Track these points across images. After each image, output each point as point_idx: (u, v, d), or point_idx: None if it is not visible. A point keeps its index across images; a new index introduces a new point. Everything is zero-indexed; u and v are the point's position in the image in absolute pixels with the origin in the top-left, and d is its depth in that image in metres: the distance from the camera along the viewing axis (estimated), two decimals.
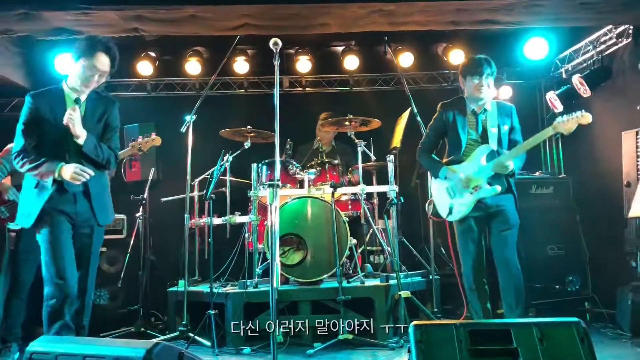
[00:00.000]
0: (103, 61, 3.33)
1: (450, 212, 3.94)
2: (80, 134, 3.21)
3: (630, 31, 5.11)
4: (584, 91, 5.43)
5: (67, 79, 3.42)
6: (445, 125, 4.00)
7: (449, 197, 3.96)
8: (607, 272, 5.17)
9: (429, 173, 4.41)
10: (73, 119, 3.16)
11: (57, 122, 3.21)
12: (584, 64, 5.81)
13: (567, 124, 3.60)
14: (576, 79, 5.46)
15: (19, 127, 3.28)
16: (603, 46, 5.50)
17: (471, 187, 3.84)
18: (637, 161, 4.82)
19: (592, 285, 5.24)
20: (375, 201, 5.63)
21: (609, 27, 5.34)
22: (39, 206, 3.19)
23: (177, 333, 4.57)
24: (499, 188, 3.78)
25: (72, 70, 3.39)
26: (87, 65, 3.31)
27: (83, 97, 3.37)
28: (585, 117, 3.57)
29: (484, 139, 3.90)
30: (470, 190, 3.84)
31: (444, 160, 4.05)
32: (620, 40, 5.28)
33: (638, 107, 4.96)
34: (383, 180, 5.32)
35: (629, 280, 4.72)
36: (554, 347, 2.35)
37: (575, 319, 2.44)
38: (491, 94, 3.96)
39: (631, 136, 4.90)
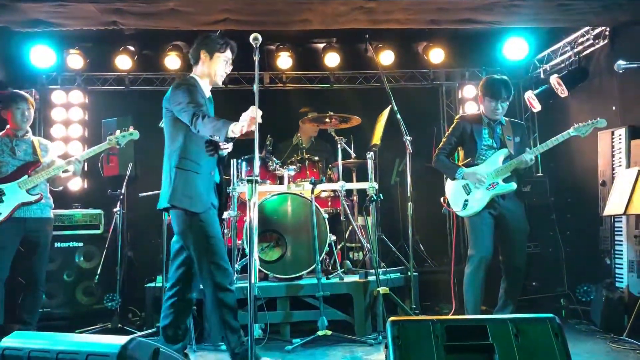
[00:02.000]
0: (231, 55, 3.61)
1: (464, 207, 4.29)
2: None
3: (607, 33, 5.20)
4: (562, 91, 5.51)
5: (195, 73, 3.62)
6: (463, 135, 4.40)
7: (464, 193, 4.31)
8: (582, 269, 5.25)
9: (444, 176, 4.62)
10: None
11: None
12: (562, 65, 5.89)
13: (583, 129, 4.21)
14: (554, 79, 5.53)
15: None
16: (580, 47, 5.58)
17: (488, 184, 4.21)
18: (612, 160, 4.91)
19: (567, 282, 5.32)
20: (355, 198, 5.65)
21: (587, 28, 5.42)
22: None
23: (154, 329, 4.52)
24: (514, 185, 4.20)
25: (206, 65, 3.58)
26: (224, 58, 3.57)
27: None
28: (601, 123, 4.20)
29: (500, 145, 4.33)
30: (487, 186, 4.21)
31: (463, 164, 4.39)
32: (597, 41, 5.36)
33: (613, 108, 5.05)
34: (363, 177, 5.34)
35: (604, 277, 4.81)
36: (528, 342, 2.37)
37: (549, 315, 2.47)
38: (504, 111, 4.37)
39: (607, 136, 4.98)
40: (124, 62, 6.42)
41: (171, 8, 4.53)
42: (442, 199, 4.57)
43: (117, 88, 6.72)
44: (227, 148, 3.44)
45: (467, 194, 4.30)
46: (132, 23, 4.91)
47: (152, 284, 4.98)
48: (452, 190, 4.40)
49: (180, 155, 3.40)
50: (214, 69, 3.56)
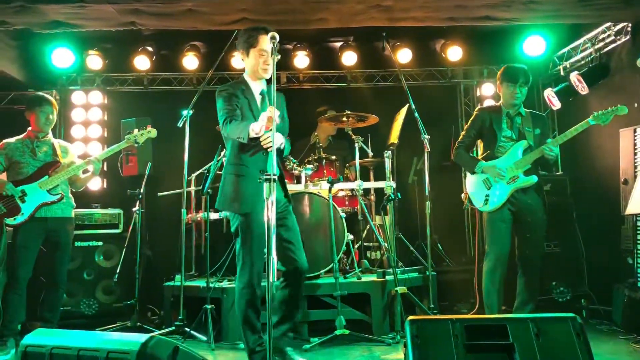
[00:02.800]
0: (268, 44, 3.38)
1: (485, 202, 4.21)
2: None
3: (629, 29, 5.11)
4: (582, 88, 5.42)
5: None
6: (482, 127, 4.32)
7: (485, 188, 4.23)
8: (603, 269, 5.17)
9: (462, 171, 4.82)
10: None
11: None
12: (582, 62, 5.80)
13: (603, 117, 4.03)
14: (574, 77, 5.45)
15: None
16: (601, 44, 5.49)
17: (508, 177, 4.13)
18: (635, 158, 4.82)
19: (588, 282, 5.24)
20: (373, 197, 5.63)
21: (608, 24, 5.33)
22: None
23: (173, 328, 4.55)
24: (535, 178, 4.12)
25: (247, 63, 3.60)
26: (258, 52, 3.49)
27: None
28: (622, 109, 4.01)
29: (519, 137, 4.22)
30: (507, 180, 4.14)
31: (483, 157, 4.32)
32: (618, 37, 5.27)
33: (636, 105, 4.95)
34: (380, 176, 5.32)
35: (625, 277, 4.72)
36: (549, 342, 2.35)
37: (571, 314, 2.44)
38: (523, 98, 4.25)
39: (629, 134, 4.90)
40: (142, 62, 6.47)
41: (188, 8, 4.55)
42: (462, 195, 4.52)
43: (136, 88, 6.78)
44: (268, 144, 3.27)
45: (488, 188, 4.21)
46: (149, 23, 4.94)
47: (171, 283, 5.02)
48: (473, 185, 4.32)
49: (228, 161, 3.57)
50: (253, 66, 3.54)
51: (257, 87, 3.59)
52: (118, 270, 5.28)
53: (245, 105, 3.50)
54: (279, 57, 3.13)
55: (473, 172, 4.29)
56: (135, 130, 4.49)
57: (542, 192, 4.26)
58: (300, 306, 3.71)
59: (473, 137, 4.38)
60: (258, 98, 3.57)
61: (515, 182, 4.13)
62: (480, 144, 4.45)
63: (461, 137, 4.42)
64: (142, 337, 2.29)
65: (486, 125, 4.29)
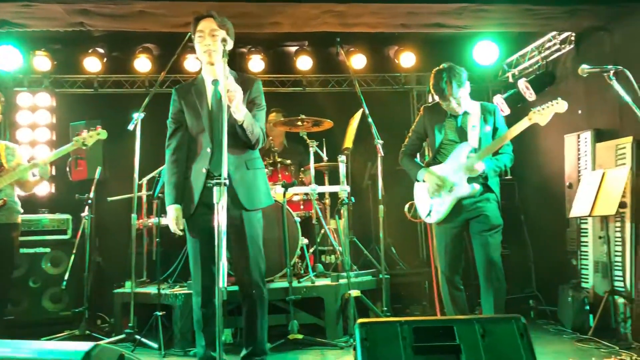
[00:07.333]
0: (205, 24, 3.23)
1: (429, 214, 3.89)
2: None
3: (573, 38, 5.31)
4: (530, 95, 5.59)
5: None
6: (425, 128, 3.98)
7: (429, 198, 3.89)
8: (550, 270, 5.34)
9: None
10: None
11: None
12: (530, 69, 6.00)
13: (543, 113, 3.62)
14: (522, 83, 5.62)
15: None
16: (547, 52, 5.69)
17: (449, 187, 3.76)
18: (579, 163, 5.00)
19: (536, 283, 5.40)
20: (327, 201, 5.64)
21: (553, 33, 5.52)
22: None
23: (123, 335, 4.45)
24: (477, 186, 3.70)
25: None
26: (198, 34, 3.24)
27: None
28: (561, 105, 3.56)
29: (462, 138, 3.81)
30: (448, 190, 3.76)
31: (426, 163, 4.03)
32: (563, 46, 5.47)
33: (579, 112, 5.15)
34: (335, 180, 5.34)
35: (570, 278, 4.90)
36: (495, 342, 2.39)
37: (515, 315, 2.50)
38: (465, 97, 3.82)
39: (573, 139, 5.08)
40: (92, 64, 6.32)
41: (140, 10, 4.48)
42: (407, 206, 4.42)
43: (86, 91, 6.62)
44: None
45: (432, 198, 3.85)
46: (99, 24, 4.83)
47: (121, 290, 4.91)
48: (418, 194, 4.01)
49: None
50: (199, 53, 3.30)
51: (210, 78, 3.33)
52: (66, 277, 5.10)
53: (193, 106, 3.32)
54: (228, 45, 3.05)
55: (416, 180, 3.99)
56: (84, 132, 4.37)
57: (493, 191, 3.78)
58: (256, 334, 3.41)
59: (416, 140, 4.08)
60: (210, 89, 3.32)
61: (455, 191, 3.73)
62: (427, 148, 4.20)
63: (405, 141, 4.15)
64: (86, 346, 2.22)
65: (428, 127, 3.95)
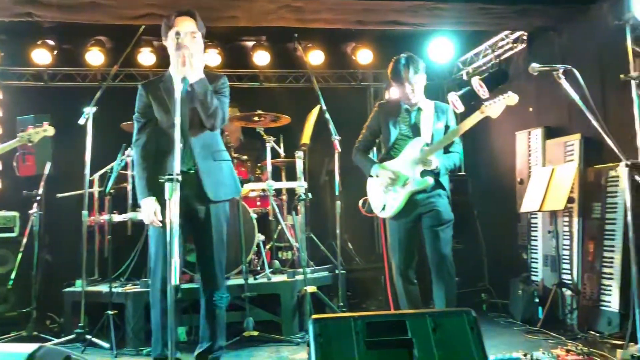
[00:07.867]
0: (185, 24, 3.18)
1: (383, 209, 3.90)
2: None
3: (525, 37, 5.44)
4: (483, 93, 5.69)
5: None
6: (379, 124, 3.99)
7: (382, 193, 3.90)
8: (501, 264, 5.47)
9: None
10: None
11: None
12: (484, 67, 6.11)
13: (495, 106, 3.65)
14: (476, 81, 5.71)
15: None
16: (500, 50, 5.81)
17: (402, 182, 3.78)
18: (529, 159, 5.14)
19: (488, 277, 5.52)
20: (284, 197, 5.64)
21: (506, 32, 5.64)
22: None
23: (73, 335, 4.33)
24: (430, 180, 3.71)
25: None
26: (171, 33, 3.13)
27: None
28: (512, 98, 3.60)
29: (415, 134, 3.84)
30: (402, 184, 3.78)
31: (379, 158, 4.03)
32: (515, 45, 5.60)
33: (530, 109, 5.28)
34: (292, 176, 5.33)
35: (520, 271, 5.03)
36: (446, 336, 2.43)
37: (466, 308, 2.54)
38: (420, 87, 3.88)
39: (524, 136, 5.22)
40: (42, 56, 6.13)
41: (92, 1, 4.35)
42: (360, 201, 4.43)
43: (35, 84, 6.42)
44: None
45: (385, 194, 3.87)
46: (49, 15, 4.66)
47: (71, 289, 4.78)
48: (372, 189, 4.01)
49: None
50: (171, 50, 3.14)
51: (179, 76, 3.09)
52: (13, 277, 4.94)
53: (162, 102, 3.26)
54: None
55: (369, 175, 3.99)
56: (30, 128, 4.21)
57: (444, 187, 3.81)
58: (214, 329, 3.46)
59: (369, 135, 4.07)
60: (180, 87, 3.05)
61: (409, 185, 3.75)
62: (382, 144, 4.16)
63: (360, 136, 4.13)
64: (30, 348, 2.15)
65: (382, 123, 3.96)
